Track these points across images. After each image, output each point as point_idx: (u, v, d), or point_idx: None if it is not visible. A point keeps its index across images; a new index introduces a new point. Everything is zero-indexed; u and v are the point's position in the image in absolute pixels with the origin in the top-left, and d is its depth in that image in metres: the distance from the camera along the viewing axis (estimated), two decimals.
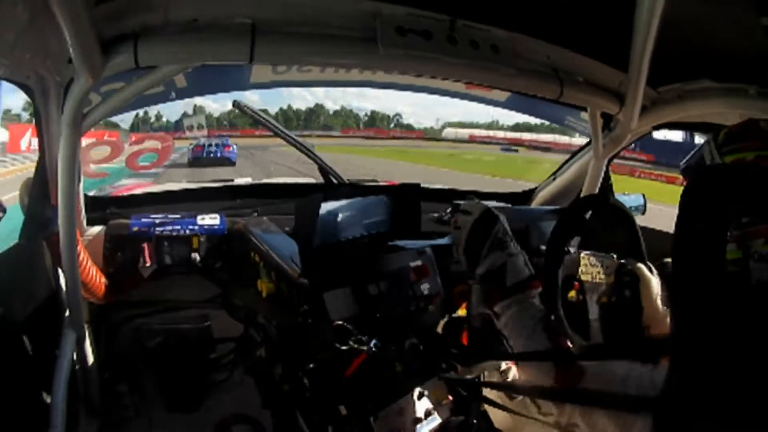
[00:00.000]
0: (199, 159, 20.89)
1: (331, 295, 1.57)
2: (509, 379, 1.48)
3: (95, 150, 2.47)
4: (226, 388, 2.35)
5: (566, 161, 2.63)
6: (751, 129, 1.07)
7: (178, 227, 1.97)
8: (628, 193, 2.58)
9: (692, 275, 0.66)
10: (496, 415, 1.47)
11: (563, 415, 0.99)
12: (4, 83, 1.39)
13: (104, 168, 2.47)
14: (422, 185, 2.24)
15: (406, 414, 1.54)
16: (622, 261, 1.53)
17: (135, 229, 1.92)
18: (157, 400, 2.26)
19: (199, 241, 1.99)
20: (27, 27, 1.13)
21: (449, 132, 48.20)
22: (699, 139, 1.54)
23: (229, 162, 21.08)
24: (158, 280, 2.03)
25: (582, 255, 1.60)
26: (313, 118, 58.99)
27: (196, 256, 1.99)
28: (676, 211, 0.68)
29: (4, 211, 1.53)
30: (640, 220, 1.59)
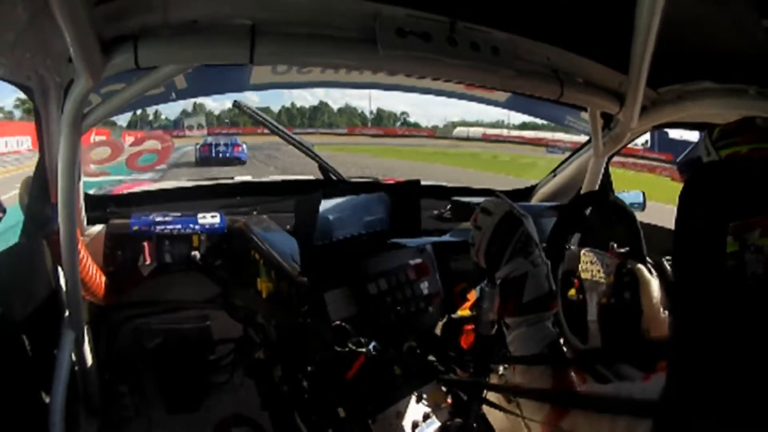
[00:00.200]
0: (207, 159, 20.64)
1: (330, 295, 1.57)
2: (508, 381, 1.48)
3: (95, 151, 2.46)
4: (226, 388, 2.35)
5: (566, 158, 2.63)
6: (746, 124, 1.08)
7: (179, 226, 1.97)
8: (627, 190, 2.59)
9: (693, 271, 0.66)
10: (495, 418, 1.47)
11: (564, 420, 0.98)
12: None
13: (105, 168, 2.47)
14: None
15: (405, 417, 1.54)
16: (622, 257, 1.53)
17: (135, 228, 1.92)
18: (157, 400, 2.26)
19: (199, 240, 1.99)
20: (27, 27, 1.13)
21: (460, 131, 47.26)
22: None
23: (239, 162, 20.77)
24: (158, 279, 2.03)
25: (582, 252, 1.60)
26: (318, 116, 58.66)
27: (196, 254, 1.99)
28: None
29: (4, 211, 1.53)
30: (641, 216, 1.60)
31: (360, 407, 1.50)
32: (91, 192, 2.10)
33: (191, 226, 1.98)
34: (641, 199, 2.53)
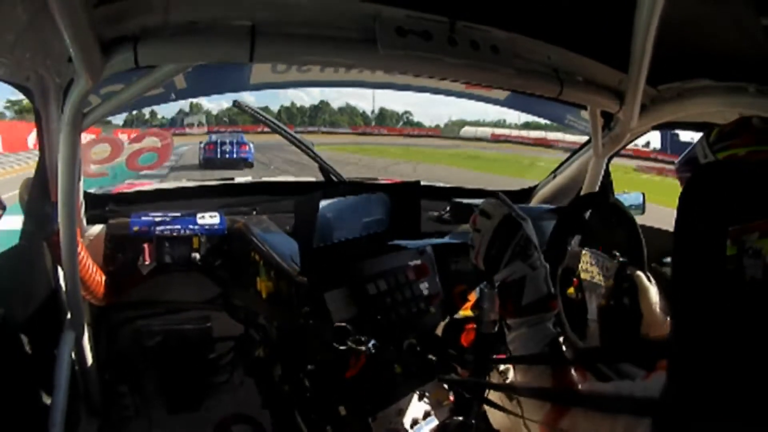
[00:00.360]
0: (212, 160, 19.17)
1: (330, 295, 1.57)
2: (508, 379, 1.48)
3: (95, 149, 2.46)
4: (226, 388, 2.35)
5: (566, 159, 2.63)
6: (743, 126, 1.08)
7: (178, 226, 1.98)
8: (627, 191, 2.59)
9: (692, 274, 0.66)
10: (495, 416, 1.47)
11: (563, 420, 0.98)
12: None
13: (104, 168, 2.47)
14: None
15: (405, 415, 1.54)
16: (622, 261, 1.53)
17: (135, 228, 1.93)
18: (157, 400, 2.26)
19: (199, 241, 1.99)
20: (27, 27, 1.13)
21: (468, 131, 46.12)
22: None
23: (245, 163, 19.36)
24: (158, 279, 2.03)
25: (583, 252, 1.60)
26: (319, 115, 58.24)
27: (196, 255, 1.99)
28: None
29: (5, 208, 1.53)
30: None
31: (360, 405, 1.50)
32: (91, 191, 2.10)
33: (191, 226, 1.98)
34: (641, 201, 2.54)
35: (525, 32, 1.40)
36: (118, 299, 1.97)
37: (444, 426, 1.56)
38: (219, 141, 20.12)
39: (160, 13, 1.06)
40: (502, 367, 1.52)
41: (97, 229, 1.94)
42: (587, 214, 1.71)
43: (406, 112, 60.15)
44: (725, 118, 1.60)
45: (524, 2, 1.26)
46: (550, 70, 1.51)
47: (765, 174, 0.69)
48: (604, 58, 1.59)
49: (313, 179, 2.72)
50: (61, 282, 1.68)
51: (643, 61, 1.41)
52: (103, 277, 1.79)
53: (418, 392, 1.59)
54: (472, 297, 1.58)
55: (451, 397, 1.63)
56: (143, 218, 1.96)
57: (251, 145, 20.14)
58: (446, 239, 2.10)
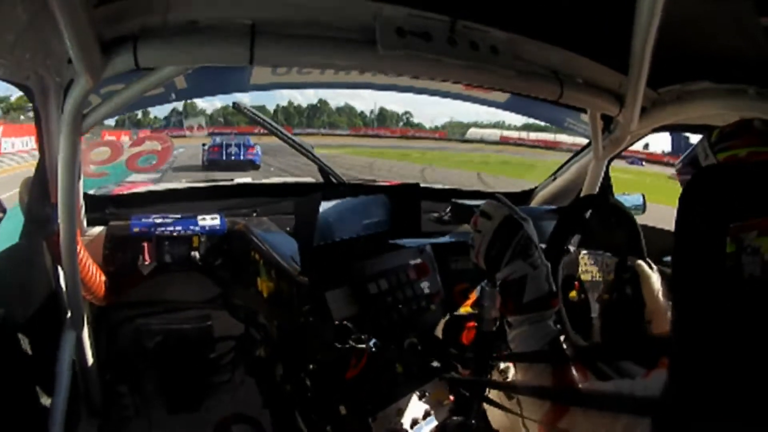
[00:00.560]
0: (216, 162, 18.35)
1: (331, 294, 1.57)
2: (509, 378, 1.48)
3: (95, 151, 2.46)
4: (226, 388, 2.36)
5: (566, 161, 2.63)
6: (744, 127, 1.09)
7: (179, 228, 1.98)
8: (627, 193, 2.60)
9: (693, 274, 0.66)
10: (495, 415, 1.47)
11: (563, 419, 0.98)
12: None
13: (104, 168, 2.47)
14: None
15: (405, 414, 1.54)
16: (622, 256, 1.53)
17: (135, 230, 1.93)
18: (157, 400, 2.26)
19: (199, 242, 1.99)
20: (27, 27, 1.13)
21: (474, 132, 45.13)
22: None
23: (252, 166, 18.55)
24: (159, 279, 2.03)
25: (581, 255, 1.60)
26: (317, 115, 57.65)
27: (196, 254, 1.99)
28: None
29: (5, 211, 1.53)
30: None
31: (361, 405, 1.50)
32: (91, 192, 2.10)
33: (191, 227, 1.99)
34: (641, 202, 2.54)
35: (525, 33, 1.40)
36: (118, 299, 1.97)
37: (444, 426, 1.56)
38: (224, 143, 19.38)
39: (160, 14, 1.06)
40: (502, 365, 1.52)
41: (98, 229, 1.94)
42: (587, 215, 1.71)
43: (406, 113, 59.56)
44: (725, 120, 1.60)
45: (525, 3, 1.26)
46: (550, 72, 1.51)
47: (764, 174, 0.69)
48: (605, 60, 1.59)
49: (312, 180, 2.72)
50: (61, 282, 1.69)
51: (643, 64, 1.41)
52: (103, 277, 1.79)
53: (418, 392, 1.59)
54: (473, 296, 1.58)
55: (451, 397, 1.63)
56: (143, 220, 1.96)
57: (259, 148, 19.42)
58: (446, 238, 2.10)
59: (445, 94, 3.10)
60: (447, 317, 1.58)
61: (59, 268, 1.66)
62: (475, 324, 1.44)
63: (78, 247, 1.56)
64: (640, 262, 1.49)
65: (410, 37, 1.20)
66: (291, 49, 1.17)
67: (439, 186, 2.92)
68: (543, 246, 1.20)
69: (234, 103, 2.34)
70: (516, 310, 1.11)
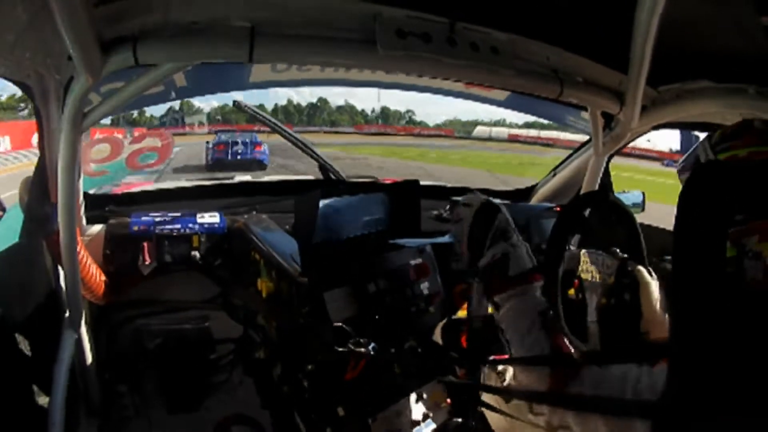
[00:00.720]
0: (221, 161, 17.07)
1: (330, 294, 1.57)
2: (506, 379, 1.48)
3: (95, 149, 2.46)
4: (226, 388, 2.36)
5: (566, 158, 2.63)
6: (745, 128, 1.09)
7: (178, 226, 1.98)
8: (627, 190, 2.60)
9: (692, 274, 0.66)
10: (493, 417, 1.47)
11: (555, 415, 0.99)
12: None
13: (104, 167, 2.47)
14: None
15: (404, 416, 1.54)
16: (623, 259, 1.52)
17: (135, 228, 1.93)
18: (157, 400, 2.26)
19: (199, 240, 1.99)
20: (27, 27, 1.13)
21: (481, 131, 43.84)
22: None
23: (259, 165, 17.04)
24: (158, 279, 2.03)
25: (582, 252, 1.60)
26: (317, 113, 57.15)
27: (196, 254, 1.99)
28: None
29: (5, 210, 1.53)
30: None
31: (360, 406, 1.50)
32: (91, 191, 2.10)
33: (191, 226, 1.99)
34: (641, 200, 2.54)
35: (525, 33, 1.40)
36: (118, 299, 1.97)
37: (443, 427, 1.56)
38: (230, 141, 18.04)
39: (159, 13, 1.06)
40: (500, 367, 1.52)
41: (97, 228, 1.94)
42: (587, 213, 1.71)
43: (408, 111, 58.65)
44: (725, 118, 1.60)
45: (524, 3, 1.26)
46: (550, 71, 1.51)
47: (764, 174, 0.69)
48: (605, 60, 1.59)
49: (312, 178, 2.72)
50: (61, 281, 1.69)
51: (643, 63, 1.41)
52: (103, 277, 1.79)
53: (417, 393, 1.59)
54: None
55: (449, 400, 1.63)
56: (143, 218, 1.96)
57: (266, 147, 18.03)
58: (446, 238, 2.10)
59: (446, 93, 3.10)
60: (444, 321, 1.58)
61: (59, 267, 1.66)
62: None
63: (78, 247, 1.56)
64: (641, 268, 1.48)
65: (410, 38, 1.20)
66: (290, 48, 1.17)
67: (440, 183, 2.92)
68: (543, 246, 1.21)
69: (235, 101, 2.34)
70: (501, 287, 1.14)
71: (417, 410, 1.57)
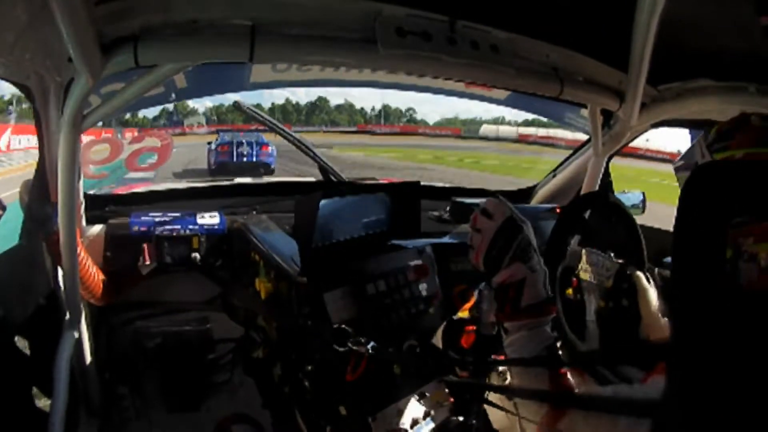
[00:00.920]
0: (226, 164, 15.54)
1: (330, 295, 1.57)
2: (508, 380, 1.48)
3: (95, 149, 2.46)
4: (226, 388, 2.36)
5: (566, 158, 2.63)
6: (741, 125, 1.07)
7: (178, 226, 1.98)
8: (627, 191, 2.59)
9: (692, 275, 0.66)
10: (495, 416, 1.47)
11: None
12: None
13: (104, 169, 2.47)
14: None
15: (405, 415, 1.54)
16: (622, 263, 1.53)
17: (135, 228, 1.92)
18: (157, 400, 2.26)
19: (199, 241, 1.99)
20: (27, 27, 1.13)
21: (488, 129, 42.23)
22: None
23: (266, 169, 15.69)
24: (158, 279, 2.03)
25: (583, 251, 1.60)
26: (316, 112, 56.65)
27: (196, 255, 1.99)
28: None
29: (4, 209, 1.53)
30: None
31: (360, 406, 1.50)
32: (91, 192, 2.10)
33: (191, 226, 1.99)
34: (641, 200, 2.54)
35: (525, 32, 1.40)
36: (118, 299, 1.97)
37: (444, 426, 1.56)
38: (235, 141, 16.36)
39: (160, 13, 1.06)
40: (501, 367, 1.52)
41: (97, 229, 1.93)
42: (587, 214, 1.71)
43: (409, 109, 57.54)
44: (725, 117, 1.60)
45: (524, 2, 1.26)
46: (550, 70, 1.51)
47: (760, 176, 0.68)
48: (604, 58, 1.59)
49: (312, 179, 2.72)
50: (61, 282, 1.69)
51: (643, 61, 1.41)
52: (103, 277, 1.79)
53: (418, 393, 1.59)
54: (473, 298, 1.58)
55: (451, 399, 1.63)
56: (143, 218, 1.96)
57: (273, 148, 16.50)
58: (446, 239, 2.10)
59: (447, 92, 3.11)
60: (445, 323, 1.58)
61: (59, 268, 1.66)
62: (474, 328, 1.45)
63: (78, 248, 1.56)
64: (639, 274, 1.48)
65: (410, 37, 1.20)
66: (290, 48, 1.17)
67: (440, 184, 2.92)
68: (543, 247, 1.20)
69: (235, 102, 2.35)
70: (513, 316, 1.10)
71: (418, 409, 1.57)
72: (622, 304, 1.48)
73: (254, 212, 2.22)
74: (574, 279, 1.59)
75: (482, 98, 3.26)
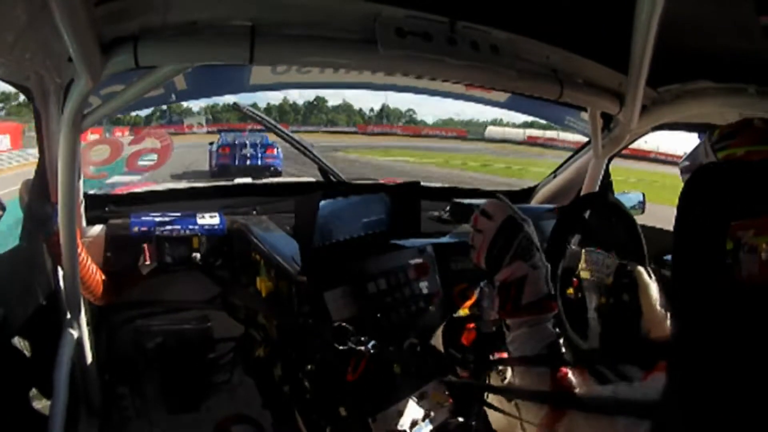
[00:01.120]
0: (227, 167, 14.48)
1: (330, 294, 1.57)
2: (507, 378, 1.48)
3: (95, 149, 2.47)
4: (226, 388, 2.36)
5: (567, 160, 2.64)
6: (744, 126, 1.09)
7: (179, 227, 1.98)
8: (627, 191, 2.60)
9: (693, 274, 0.66)
10: (495, 416, 1.47)
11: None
12: None
13: (104, 169, 2.48)
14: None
15: (405, 415, 1.54)
16: (623, 262, 1.53)
17: (135, 229, 1.93)
18: (157, 400, 2.26)
19: (199, 241, 1.99)
20: (27, 27, 1.13)
21: (494, 131, 41.64)
22: None
23: (272, 172, 14.60)
24: (158, 279, 2.03)
25: (583, 251, 1.60)
26: (314, 112, 56.08)
27: (196, 255, 1.99)
28: None
29: (4, 209, 1.53)
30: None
31: (360, 406, 1.50)
32: (91, 192, 2.10)
33: (191, 227, 1.99)
34: (641, 201, 2.54)
35: (525, 33, 1.40)
36: (118, 299, 1.97)
37: (444, 427, 1.56)
38: (237, 143, 15.37)
39: (160, 13, 1.06)
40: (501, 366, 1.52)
41: (97, 229, 1.94)
42: (587, 214, 1.71)
43: (409, 110, 57.42)
44: (726, 119, 1.60)
45: (524, 3, 1.26)
46: (549, 71, 1.51)
47: (761, 172, 0.69)
48: (604, 60, 1.59)
49: (312, 179, 2.72)
50: (61, 282, 1.69)
51: (643, 63, 1.41)
52: (103, 277, 1.79)
53: (418, 393, 1.59)
54: (473, 296, 1.58)
55: (451, 399, 1.63)
56: (143, 219, 1.96)
57: (279, 150, 15.39)
58: (446, 238, 2.10)
59: (445, 94, 3.11)
60: (446, 322, 1.58)
61: (59, 268, 1.66)
62: (475, 325, 1.45)
63: (78, 248, 1.56)
64: (640, 269, 1.48)
65: (410, 37, 1.20)
66: (290, 49, 1.17)
67: (440, 184, 2.92)
68: (544, 245, 1.20)
69: (235, 104, 2.35)
70: (514, 313, 1.10)
71: (418, 410, 1.57)
72: (623, 300, 1.48)
73: (254, 213, 2.22)
74: (575, 279, 1.59)
75: (482, 101, 3.25)
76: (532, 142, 36.77)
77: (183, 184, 2.59)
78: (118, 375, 2.16)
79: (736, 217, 0.63)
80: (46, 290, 1.69)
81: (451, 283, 1.86)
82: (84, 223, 1.88)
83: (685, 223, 0.68)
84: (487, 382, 1.41)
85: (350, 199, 1.82)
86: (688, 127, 2.12)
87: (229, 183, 2.75)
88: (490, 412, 1.46)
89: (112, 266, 1.90)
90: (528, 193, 2.83)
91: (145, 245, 1.92)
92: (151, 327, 2.21)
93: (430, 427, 1.56)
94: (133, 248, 1.93)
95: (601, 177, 2.29)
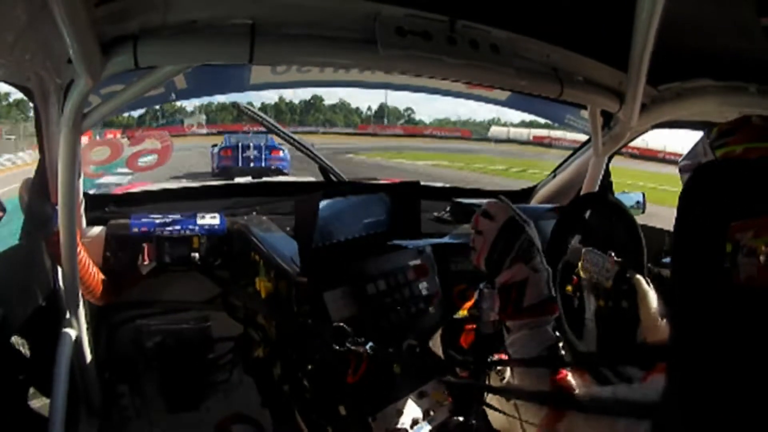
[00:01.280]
0: (229, 169, 13.78)
1: (330, 295, 1.57)
2: (505, 379, 1.48)
3: (95, 150, 2.47)
4: (226, 388, 2.35)
5: (566, 159, 2.63)
6: (742, 123, 1.09)
7: (179, 227, 1.98)
8: (628, 191, 2.60)
9: (692, 275, 0.66)
10: (495, 416, 1.47)
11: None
12: None
13: (102, 169, 2.48)
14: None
15: (405, 414, 1.54)
16: (622, 263, 1.52)
17: (135, 229, 1.93)
18: (157, 400, 2.26)
19: (199, 242, 1.99)
20: (27, 28, 1.13)
21: (497, 131, 40.53)
22: None
23: (278, 175, 13.70)
24: (158, 279, 2.03)
25: (584, 250, 1.60)
26: (311, 112, 55.54)
27: (196, 255, 1.99)
28: None
29: (5, 210, 1.53)
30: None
31: (360, 405, 1.50)
32: (91, 192, 2.10)
33: (191, 227, 1.99)
34: (641, 200, 2.54)
35: (525, 32, 1.40)
36: (118, 299, 1.97)
37: (444, 426, 1.56)
38: (240, 145, 14.57)
39: (160, 12, 1.06)
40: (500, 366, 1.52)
41: (98, 230, 1.94)
42: (587, 214, 1.71)
43: (407, 109, 56.29)
44: (726, 117, 1.60)
45: (524, 2, 1.26)
46: (550, 70, 1.51)
47: (759, 171, 0.68)
48: (605, 58, 1.59)
49: (312, 179, 2.72)
50: (61, 282, 1.69)
51: (643, 61, 1.41)
52: (103, 277, 1.79)
53: (417, 392, 1.59)
54: (473, 297, 1.58)
55: (450, 398, 1.63)
56: (143, 219, 1.96)
57: (286, 152, 14.59)
58: (446, 239, 2.10)
59: (444, 93, 3.11)
60: (445, 324, 1.58)
61: (59, 268, 1.66)
62: (474, 327, 1.45)
63: (78, 248, 1.56)
64: (639, 277, 1.48)
65: (410, 36, 1.20)
66: (290, 48, 1.17)
67: (440, 184, 2.92)
68: (544, 245, 1.20)
69: (234, 104, 2.36)
70: (515, 315, 1.10)
71: (418, 409, 1.57)
72: (621, 306, 1.48)
73: (254, 213, 2.22)
74: (574, 277, 1.59)
75: (483, 99, 3.26)
76: (538, 141, 35.85)
77: (183, 185, 2.58)
78: (118, 374, 2.16)
79: (736, 217, 0.63)
80: (45, 290, 1.69)
81: (451, 284, 1.86)
82: (84, 224, 1.88)
83: (685, 223, 0.68)
84: (486, 382, 1.41)
85: (350, 199, 1.82)
86: (688, 125, 2.12)
87: (230, 183, 2.75)
88: (490, 411, 1.46)
89: (112, 266, 1.90)
90: (528, 192, 2.83)
91: (145, 245, 1.92)
92: (150, 327, 2.21)
93: (430, 426, 1.56)
94: (133, 248, 1.93)
95: (601, 176, 2.29)
